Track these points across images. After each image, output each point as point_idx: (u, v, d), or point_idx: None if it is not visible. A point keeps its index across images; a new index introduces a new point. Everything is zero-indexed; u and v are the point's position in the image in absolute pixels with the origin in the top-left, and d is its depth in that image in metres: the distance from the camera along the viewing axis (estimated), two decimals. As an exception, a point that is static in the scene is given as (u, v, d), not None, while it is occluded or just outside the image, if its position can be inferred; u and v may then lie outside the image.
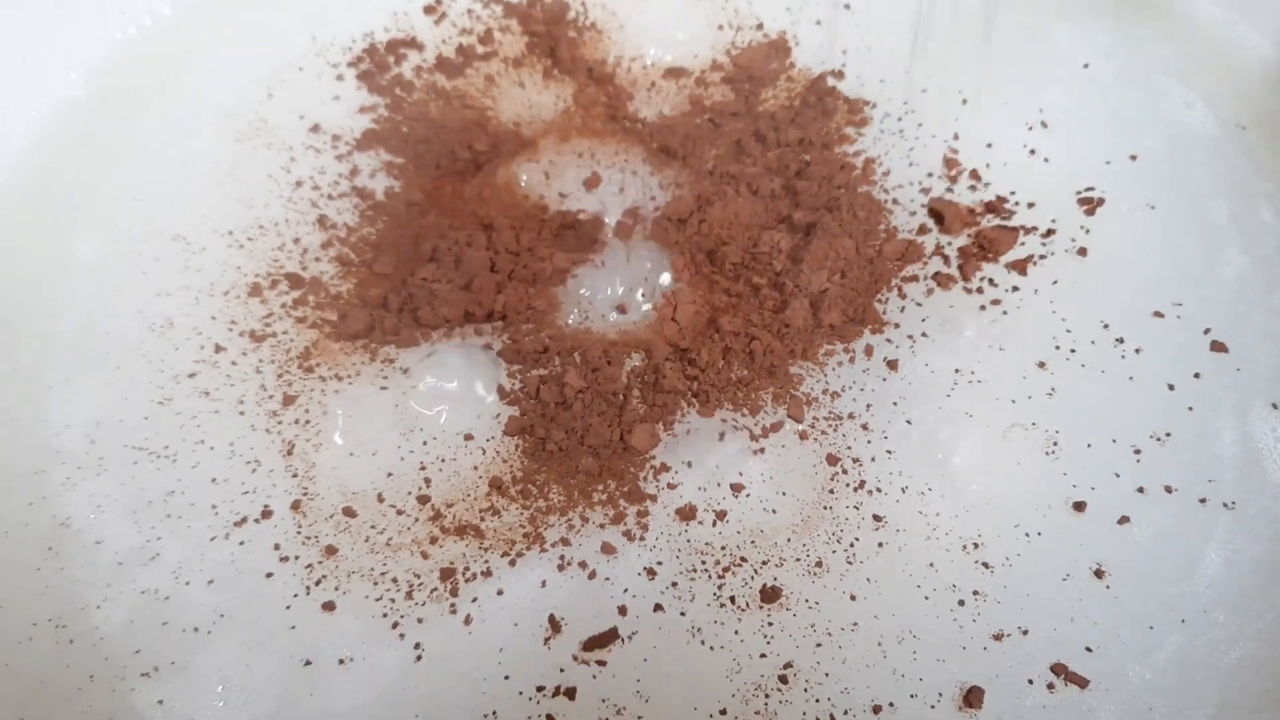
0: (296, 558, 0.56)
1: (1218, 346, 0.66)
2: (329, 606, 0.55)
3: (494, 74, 0.80)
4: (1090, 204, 0.73)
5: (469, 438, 0.61)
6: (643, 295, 0.68)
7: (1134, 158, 0.75)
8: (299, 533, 0.57)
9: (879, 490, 0.60)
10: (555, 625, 0.55)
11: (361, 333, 0.64)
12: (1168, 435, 0.62)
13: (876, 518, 0.59)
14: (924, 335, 0.66)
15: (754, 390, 0.63)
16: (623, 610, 0.56)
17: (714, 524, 0.59)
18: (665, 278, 0.68)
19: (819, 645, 0.55)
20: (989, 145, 0.75)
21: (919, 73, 0.80)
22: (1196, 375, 0.65)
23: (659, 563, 0.57)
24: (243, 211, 0.70)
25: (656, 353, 0.64)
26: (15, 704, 0.52)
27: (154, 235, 0.69)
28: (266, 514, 0.58)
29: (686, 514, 0.59)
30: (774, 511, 0.59)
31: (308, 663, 0.53)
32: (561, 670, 0.54)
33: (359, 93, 0.78)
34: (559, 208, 0.71)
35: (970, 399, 0.64)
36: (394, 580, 0.56)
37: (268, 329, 0.65)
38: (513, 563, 0.57)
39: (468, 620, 0.55)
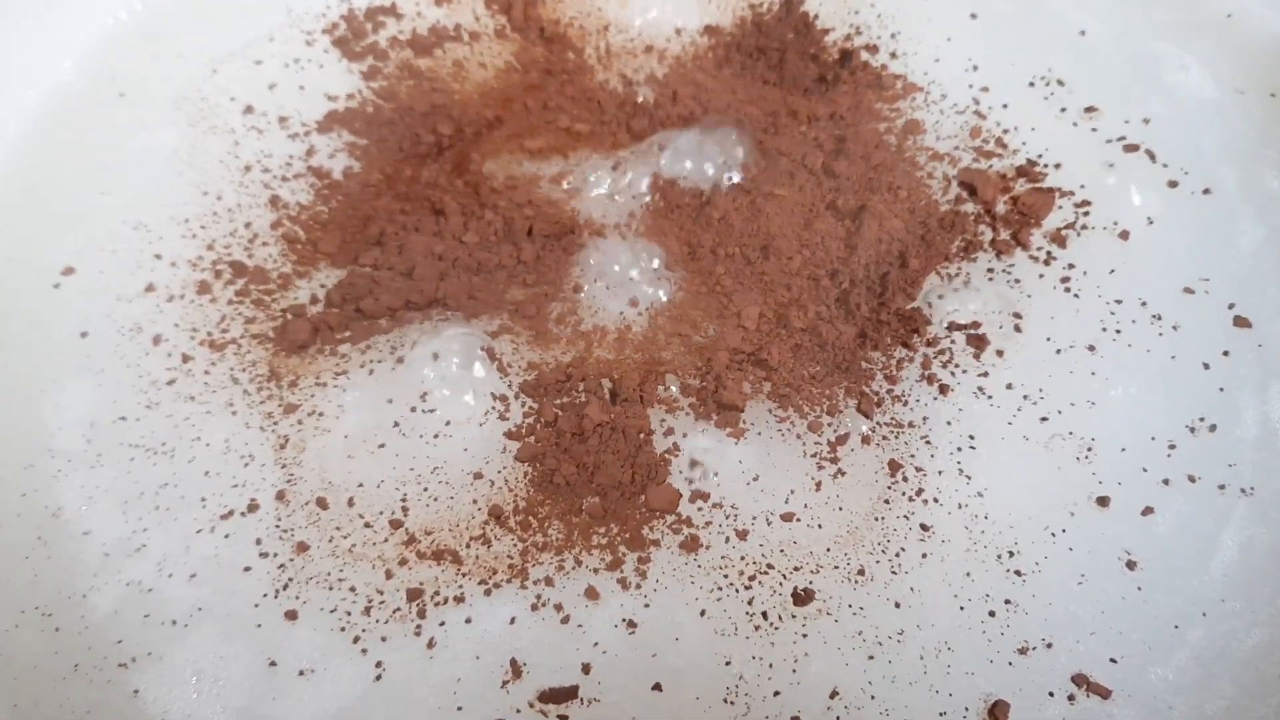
0: (275, 554, 0.57)
1: (1241, 322, 0.65)
2: (291, 615, 0.55)
3: (462, 59, 0.80)
4: (1122, 170, 0.72)
5: (478, 476, 0.60)
6: (647, 290, 0.67)
7: (1147, 121, 0.74)
8: (278, 525, 0.58)
9: (935, 501, 0.59)
10: (516, 670, 0.54)
11: (307, 340, 0.64)
12: (1200, 420, 0.62)
13: (924, 527, 0.58)
14: (978, 327, 0.65)
15: (829, 386, 0.62)
16: (586, 668, 0.54)
17: (727, 541, 0.58)
18: (656, 262, 0.67)
19: (871, 658, 0.54)
20: (1005, 105, 0.76)
21: (930, 42, 0.80)
22: (1226, 353, 0.64)
23: (647, 605, 0.56)
24: (199, 199, 0.71)
25: (718, 361, 0.62)
26: (9, 688, 0.54)
27: (119, 230, 0.69)
28: (253, 507, 0.59)
29: (690, 545, 0.57)
30: (819, 527, 0.58)
31: (273, 664, 0.54)
32: (518, 711, 0.53)
33: (332, 67, 0.78)
34: (529, 197, 0.70)
35: (1020, 405, 0.63)
36: (352, 589, 0.56)
37: (225, 335, 0.65)
38: (488, 592, 0.56)
39: (431, 644, 0.55)
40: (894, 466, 0.60)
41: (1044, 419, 0.61)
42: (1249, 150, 0.72)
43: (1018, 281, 0.67)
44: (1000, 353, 0.64)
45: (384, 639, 0.54)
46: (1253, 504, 0.59)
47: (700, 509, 0.59)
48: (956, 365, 0.63)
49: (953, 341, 0.64)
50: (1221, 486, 0.59)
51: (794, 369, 0.62)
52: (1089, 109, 0.75)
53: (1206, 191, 0.70)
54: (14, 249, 0.68)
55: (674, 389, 0.62)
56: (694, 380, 0.63)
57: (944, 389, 0.62)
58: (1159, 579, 0.57)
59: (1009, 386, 0.63)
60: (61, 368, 0.63)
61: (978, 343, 0.64)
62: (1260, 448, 0.60)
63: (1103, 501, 0.59)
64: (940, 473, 0.60)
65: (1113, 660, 0.54)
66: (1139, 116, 0.74)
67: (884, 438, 0.61)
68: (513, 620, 0.55)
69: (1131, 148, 0.73)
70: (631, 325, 0.65)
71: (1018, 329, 0.64)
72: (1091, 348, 0.64)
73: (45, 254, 0.68)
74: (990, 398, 0.62)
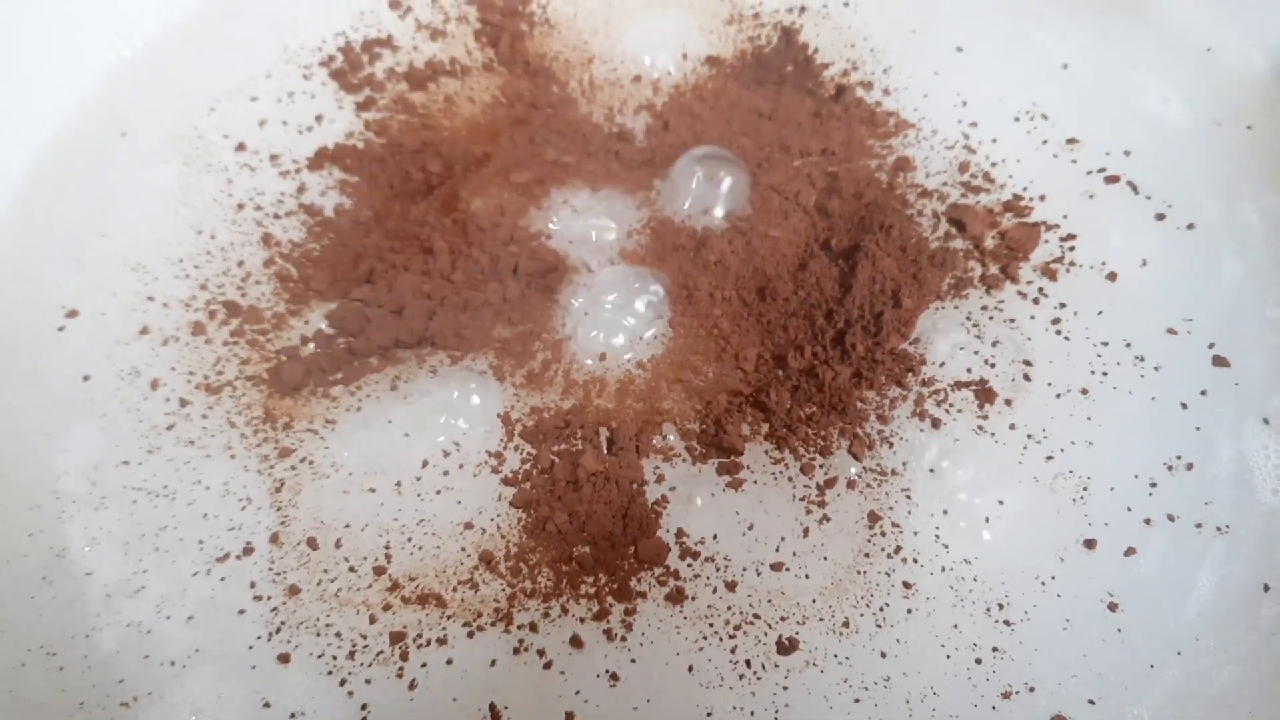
0: (268, 598, 0.59)
1: (1220, 361, 0.66)
2: (284, 659, 0.57)
3: (453, 93, 0.82)
4: (1105, 202, 0.73)
5: (469, 526, 0.61)
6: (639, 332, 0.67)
7: (1128, 153, 0.75)
8: (271, 567, 0.60)
9: (915, 561, 0.60)
10: (495, 715, 0.55)
11: (301, 381, 0.65)
12: (1178, 459, 0.63)
13: (906, 585, 0.59)
14: (985, 384, 0.65)
15: (824, 427, 0.63)
16: (569, 717, 0.55)
17: (715, 591, 0.59)
18: (646, 302, 0.68)
19: (857, 701, 0.55)
20: (994, 140, 0.77)
21: (920, 77, 0.81)
22: (1204, 393, 0.65)
23: (633, 660, 0.57)
24: (193, 238, 0.73)
25: (717, 404, 0.64)
26: (19, 726, 0.56)
27: (118, 272, 0.71)
28: (248, 550, 0.61)
29: (675, 597, 0.58)
30: (806, 577, 0.59)
31: (267, 705, 0.56)
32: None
33: (326, 102, 0.80)
34: (514, 234, 0.71)
35: (1026, 444, 0.63)
36: (338, 634, 0.58)
37: (221, 377, 0.67)
38: (471, 635, 0.58)
39: (413, 685, 0.56)
40: (873, 519, 0.60)
41: (1049, 457, 0.62)
42: (1228, 182, 0.73)
43: (1012, 321, 0.67)
44: (1009, 402, 0.64)
45: (369, 681, 0.56)
46: (1228, 541, 0.60)
47: (690, 564, 0.59)
48: (951, 405, 0.64)
49: (952, 389, 0.65)
50: (1198, 525, 0.60)
51: (791, 410, 0.63)
52: (1070, 140, 0.76)
53: (1190, 226, 0.71)
54: (20, 290, 0.70)
55: (671, 438, 0.63)
56: (693, 424, 0.64)
57: (935, 422, 0.63)
58: (1138, 620, 0.58)
59: (1012, 427, 0.63)
60: (67, 411, 0.65)
61: (986, 396, 0.64)
62: (1235, 485, 0.61)
63: (1090, 544, 0.60)
64: (917, 533, 0.60)
65: (1091, 702, 0.55)
66: (1120, 148, 0.75)
67: (868, 485, 0.62)
68: (493, 663, 0.56)
69: (1113, 179, 0.74)
70: (635, 378, 0.66)
71: (1027, 378, 0.65)
72: (1085, 390, 0.65)
73: (50, 296, 0.70)
74: (992, 434, 0.63)
